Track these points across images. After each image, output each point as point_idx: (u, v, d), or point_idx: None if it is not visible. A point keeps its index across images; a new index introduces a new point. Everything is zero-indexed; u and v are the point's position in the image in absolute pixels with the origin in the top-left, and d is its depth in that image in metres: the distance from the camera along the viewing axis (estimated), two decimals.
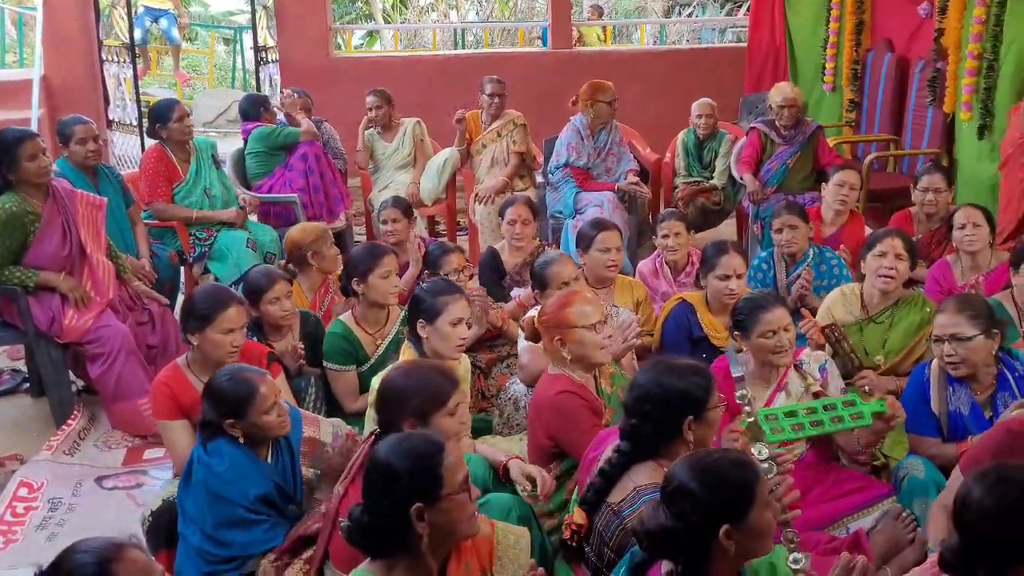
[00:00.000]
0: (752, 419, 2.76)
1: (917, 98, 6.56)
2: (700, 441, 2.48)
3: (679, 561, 1.97)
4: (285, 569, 2.66)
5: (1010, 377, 3.23)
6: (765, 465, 2.62)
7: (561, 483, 3.00)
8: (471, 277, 4.47)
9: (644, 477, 2.41)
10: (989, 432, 2.86)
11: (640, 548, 2.05)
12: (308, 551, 2.68)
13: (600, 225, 4.33)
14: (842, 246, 4.80)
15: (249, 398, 2.75)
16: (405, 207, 5.03)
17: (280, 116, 6.36)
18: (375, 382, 3.28)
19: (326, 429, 3.06)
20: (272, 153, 5.96)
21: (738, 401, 2.80)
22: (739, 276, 3.95)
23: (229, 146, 6.45)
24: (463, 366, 3.52)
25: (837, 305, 4.01)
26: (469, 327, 3.47)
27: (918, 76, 6.55)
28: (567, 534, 2.51)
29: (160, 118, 5.18)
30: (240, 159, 6.11)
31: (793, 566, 2.18)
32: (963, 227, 4.33)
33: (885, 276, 3.88)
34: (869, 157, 6.31)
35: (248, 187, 5.99)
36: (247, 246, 5.13)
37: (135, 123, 8.32)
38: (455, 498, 2.05)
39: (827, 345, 3.85)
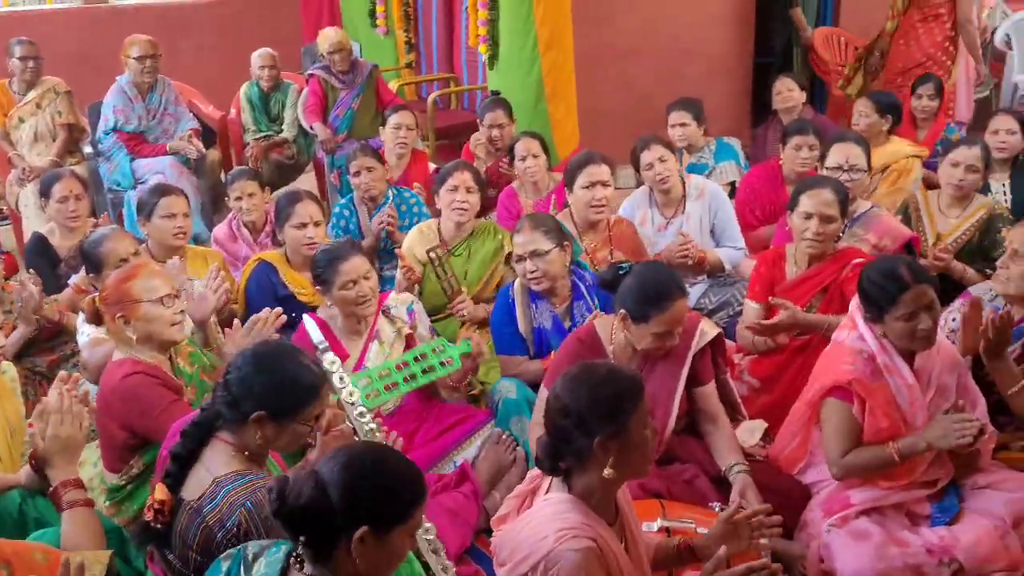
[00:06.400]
0: (344, 386, 2.66)
1: (466, 35, 6.77)
2: (275, 437, 2.20)
3: None
4: None
5: (582, 287, 3.47)
6: (371, 426, 2.56)
7: (144, 479, 2.67)
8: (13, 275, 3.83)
9: (221, 466, 2.14)
10: (564, 344, 3.03)
11: None
12: None
13: (161, 190, 3.94)
14: (415, 184, 4.85)
15: None
16: None
17: None
18: None
19: None
20: None
21: (326, 368, 2.65)
22: (316, 224, 3.81)
23: None
24: (8, 375, 2.99)
25: (416, 243, 4.02)
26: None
27: (465, 13, 6.74)
28: (150, 515, 2.12)
29: None
30: None
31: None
32: (524, 159, 4.59)
33: (459, 209, 3.97)
34: (431, 95, 6.46)
35: None
36: None
37: None
38: None
39: (427, 267, 3.83)
